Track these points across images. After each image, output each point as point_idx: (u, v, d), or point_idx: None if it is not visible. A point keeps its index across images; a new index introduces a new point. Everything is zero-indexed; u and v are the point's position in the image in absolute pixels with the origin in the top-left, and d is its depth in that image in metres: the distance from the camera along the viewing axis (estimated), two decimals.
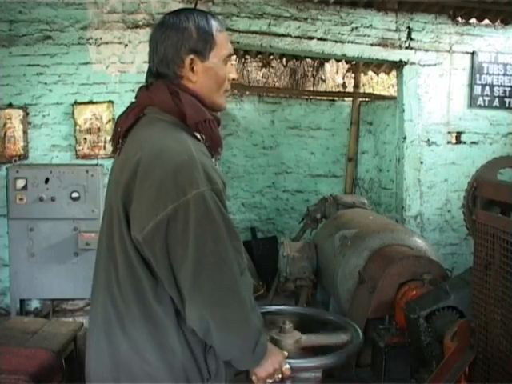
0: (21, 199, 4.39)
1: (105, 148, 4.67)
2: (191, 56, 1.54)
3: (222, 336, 1.45)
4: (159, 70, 1.56)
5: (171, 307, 1.48)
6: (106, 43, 4.78)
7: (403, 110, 5.44)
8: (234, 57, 7.05)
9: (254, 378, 1.61)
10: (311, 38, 5.15)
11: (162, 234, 1.39)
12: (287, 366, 1.63)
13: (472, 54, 5.46)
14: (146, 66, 1.67)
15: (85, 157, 4.77)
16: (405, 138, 5.43)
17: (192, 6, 4.77)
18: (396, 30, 5.31)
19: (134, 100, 1.65)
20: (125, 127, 1.58)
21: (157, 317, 1.47)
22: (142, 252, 1.45)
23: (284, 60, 7.01)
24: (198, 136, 1.56)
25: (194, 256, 1.39)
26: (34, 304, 4.81)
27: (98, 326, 1.56)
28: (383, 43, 5.30)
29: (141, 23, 4.77)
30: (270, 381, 1.60)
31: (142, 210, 1.42)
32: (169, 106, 1.53)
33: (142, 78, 1.68)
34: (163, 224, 1.39)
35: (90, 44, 4.78)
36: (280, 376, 1.61)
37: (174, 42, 1.53)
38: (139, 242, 1.43)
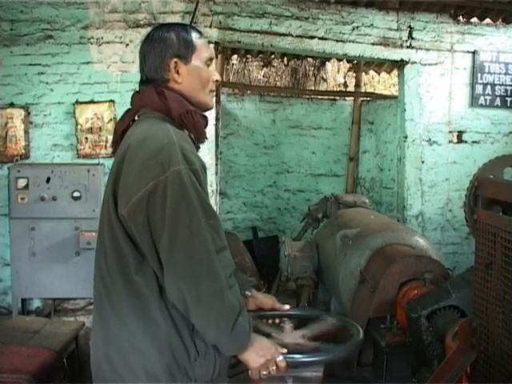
0: (22, 199, 4.39)
1: (106, 147, 4.67)
2: (175, 59, 1.71)
3: (197, 310, 1.51)
4: (149, 76, 1.74)
5: (154, 282, 1.57)
6: (107, 43, 4.78)
7: (404, 110, 5.43)
8: (236, 57, 7.06)
9: (249, 371, 1.63)
10: (312, 38, 5.14)
11: (144, 208, 1.52)
12: (281, 358, 1.63)
13: (473, 53, 5.45)
14: None
15: (86, 156, 4.77)
16: (406, 137, 5.43)
17: (193, 6, 4.77)
18: (397, 30, 5.31)
19: (128, 104, 1.81)
20: (121, 129, 1.76)
21: (140, 290, 1.57)
22: (127, 228, 1.57)
23: (285, 59, 7.01)
24: (186, 131, 1.71)
25: (169, 229, 1.49)
26: (36, 303, 4.81)
27: (94, 309, 1.69)
28: (384, 42, 5.30)
29: (142, 23, 4.77)
30: (265, 373, 1.61)
31: (126, 187, 1.57)
32: (157, 105, 1.69)
33: None
34: (144, 198, 1.52)
35: (92, 43, 4.78)
36: (274, 368, 1.62)
37: (159, 50, 1.71)
38: (124, 217, 1.56)
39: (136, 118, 1.75)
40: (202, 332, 1.56)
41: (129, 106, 1.81)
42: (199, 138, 1.73)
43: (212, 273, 1.51)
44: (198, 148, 1.76)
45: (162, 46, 1.71)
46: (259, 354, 1.60)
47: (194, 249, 1.50)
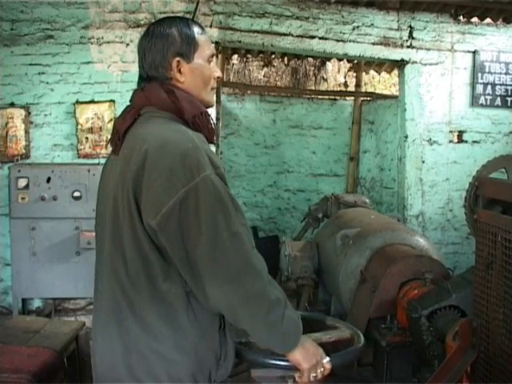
0: (22, 198, 4.39)
1: (106, 147, 4.67)
2: (177, 58, 1.66)
3: (246, 310, 1.49)
4: (149, 74, 1.68)
5: (182, 289, 1.54)
6: (108, 42, 4.78)
7: (405, 109, 5.43)
8: (236, 56, 7.06)
9: (297, 376, 1.59)
10: (313, 37, 5.14)
11: (176, 217, 1.47)
12: (327, 359, 1.61)
13: (474, 52, 5.45)
14: None
15: (86, 156, 4.77)
16: (406, 137, 5.43)
17: (193, 6, 4.77)
18: (397, 29, 5.31)
19: (128, 103, 1.75)
20: (123, 128, 1.66)
21: (167, 299, 1.53)
22: (155, 238, 1.52)
23: (285, 59, 7.01)
24: (203, 131, 1.67)
25: (208, 234, 1.46)
26: (36, 303, 4.82)
27: (106, 314, 1.62)
28: (385, 42, 5.30)
29: (142, 22, 4.77)
30: (314, 375, 1.58)
31: (154, 196, 1.49)
32: (166, 104, 1.63)
33: None
34: (176, 207, 1.47)
35: (92, 43, 4.78)
36: (322, 371, 1.60)
37: (160, 47, 1.65)
38: (152, 227, 1.50)
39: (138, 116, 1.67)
40: (253, 333, 1.55)
41: None
42: (212, 139, 1.71)
43: (254, 270, 1.50)
44: None
45: (164, 42, 1.65)
46: (310, 354, 1.58)
47: (234, 250, 1.48)
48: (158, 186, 1.48)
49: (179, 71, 1.67)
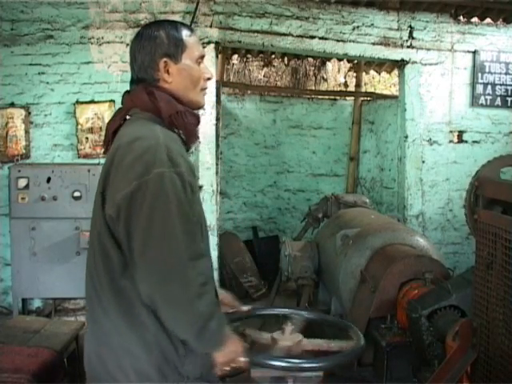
0: (23, 198, 4.39)
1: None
2: (164, 59, 1.69)
3: (165, 312, 1.52)
4: (139, 76, 1.73)
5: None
6: (108, 42, 4.78)
7: (405, 109, 5.43)
8: (236, 56, 7.05)
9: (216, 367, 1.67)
10: (313, 37, 5.14)
11: (125, 208, 1.51)
12: (244, 358, 1.67)
13: (474, 52, 5.45)
14: None
15: (86, 156, 4.77)
16: (406, 137, 5.43)
17: (193, 6, 4.77)
18: (398, 29, 5.31)
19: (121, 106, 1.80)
20: (112, 129, 1.73)
21: (125, 292, 1.57)
22: (113, 229, 1.56)
23: (286, 59, 7.01)
24: (177, 131, 1.69)
25: (143, 229, 1.49)
26: (36, 303, 4.82)
27: (87, 311, 1.71)
28: (385, 42, 5.30)
29: (142, 22, 4.77)
30: (227, 368, 1.65)
31: (113, 188, 1.57)
32: (146, 105, 1.67)
33: None
34: (127, 198, 1.51)
35: (92, 43, 4.79)
36: (235, 366, 1.66)
37: (148, 49, 1.69)
38: (111, 217, 1.55)
39: (128, 117, 1.73)
40: (174, 332, 1.57)
41: None
42: (190, 138, 1.70)
43: (183, 279, 1.49)
44: (189, 149, 1.74)
45: (152, 44, 1.68)
46: (228, 351, 1.63)
47: (166, 252, 1.48)
48: (118, 178, 1.56)
49: (167, 72, 1.69)
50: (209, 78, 1.78)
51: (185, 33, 1.72)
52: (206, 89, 1.79)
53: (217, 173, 5.12)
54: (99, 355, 1.63)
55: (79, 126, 4.77)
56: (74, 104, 4.78)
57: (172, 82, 1.70)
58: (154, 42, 1.68)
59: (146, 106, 1.67)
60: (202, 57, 1.76)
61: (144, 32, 1.72)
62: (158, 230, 1.48)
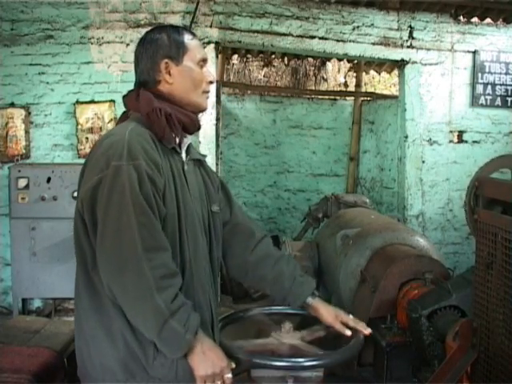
0: (23, 198, 4.40)
1: None
2: (165, 60, 1.71)
3: (124, 305, 1.52)
4: (141, 79, 1.75)
5: None
6: (108, 42, 4.78)
7: (405, 109, 5.43)
8: (236, 57, 7.06)
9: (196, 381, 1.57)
10: (313, 37, 5.14)
11: (88, 201, 1.57)
12: (229, 375, 1.56)
13: (474, 52, 5.46)
14: None
15: (86, 156, 4.77)
16: (406, 137, 5.43)
17: (193, 6, 4.77)
18: (398, 29, 5.31)
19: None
20: None
21: (95, 285, 1.60)
22: (83, 221, 1.62)
23: (286, 59, 7.01)
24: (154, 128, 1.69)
25: (102, 221, 1.53)
26: (36, 303, 4.82)
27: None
28: (385, 42, 5.30)
29: (142, 22, 4.78)
30: None
31: (83, 183, 1.64)
32: (135, 106, 1.72)
33: None
34: (89, 192, 1.57)
35: (92, 43, 4.79)
36: (219, 383, 1.55)
37: (150, 52, 1.72)
38: (79, 210, 1.62)
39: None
40: (135, 326, 1.55)
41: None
42: (162, 135, 1.66)
43: (137, 270, 1.48)
44: (170, 146, 1.68)
45: (154, 47, 1.72)
46: (208, 364, 1.54)
47: (120, 242, 1.49)
48: (86, 174, 1.63)
49: (168, 73, 1.71)
50: (211, 82, 1.79)
51: (186, 36, 1.75)
52: (208, 92, 1.80)
53: (217, 173, 5.12)
54: (79, 347, 1.68)
55: (79, 126, 4.77)
56: (74, 104, 4.78)
57: (173, 83, 1.71)
58: (156, 44, 1.72)
59: (135, 107, 1.71)
60: (205, 60, 1.78)
61: (147, 36, 1.76)
62: (112, 222, 1.51)
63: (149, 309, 1.48)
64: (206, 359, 1.54)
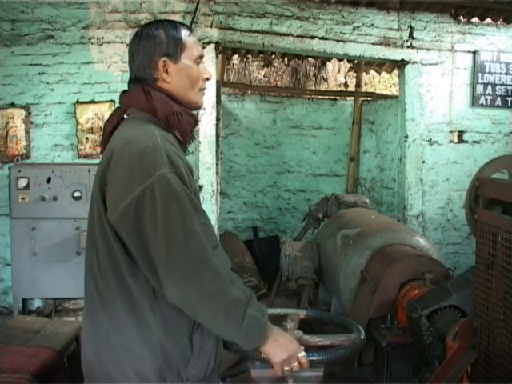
0: (23, 198, 4.39)
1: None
2: (163, 58, 1.68)
3: (203, 309, 1.51)
4: (137, 75, 1.72)
5: (147, 285, 1.56)
6: (108, 43, 4.78)
7: (405, 109, 5.43)
8: (236, 57, 7.06)
9: (273, 366, 1.62)
10: (313, 38, 5.14)
11: (132, 214, 1.50)
12: (303, 354, 1.64)
13: (474, 52, 5.45)
14: None
15: (87, 156, 4.78)
16: (407, 137, 5.43)
17: (193, 6, 4.77)
18: (398, 29, 5.31)
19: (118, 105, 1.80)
20: (109, 129, 1.74)
21: (133, 294, 1.56)
22: (118, 232, 1.56)
23: (286, 59, 7.01)
24: (175, 132, 1.68)
25: (164, 231, 1.48)
26: (37, 303, 4.82)
27: (85, 309, 1.70)
28: (385, 42, 5.30)
29: (143, 22, 4.77)
30: (287, 368, 1.61)
31: (114, 193, 1.55)
32: (143, 105, 1.67)
33: None
34: (133, 204, 1.50)
35: (92, 43, 4.79)
36: (296, 364, 1.62)
37: (147, 49, 1.68)
38: (114, 222, 1.55)
39: (125, 117, 1.72)
40: (214, 330, 1.58)
41: None
42: (185, 139, 1.69)
43: (212, 269, 1.50)
44: (185, 149, 1.73)
45: (151, 44, 1.68)
46: (282, 349, 1.61)
47: (190, 248, 1.48)
48: (118, 183, 1.54)
49: (166, 71, 1.69)
50: (207, 79, 1.77)
51: (184, 32, 1.72)
52: (204, 89, 1.78)
53: (217, 173, 5.12)
54: (98, 354, 1.62)
55: (79, 126, 4.78)
56: (75, 104, 4.78)
57: (171, 81, 1.69)
58: (154, 42, 1.68)
59: (143, 106, 1.67)
60: (201, 57, 1.76)
61: (143, 31, 1.72)
62: (179, 229, 1.48)
63: (231, 303, 1.50)
64: (279, 345, 1.60)
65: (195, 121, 1.74)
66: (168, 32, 1.69)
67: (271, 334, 1.60)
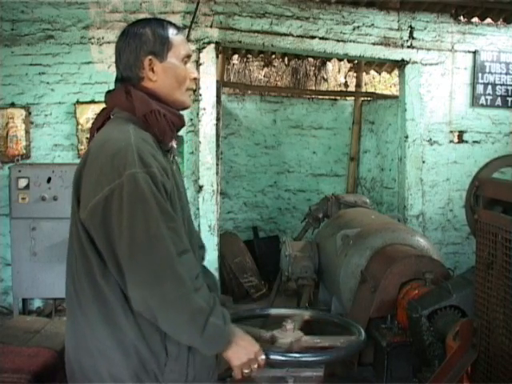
0: (23, 198, 4.40)
1: None
2: (149, 57, 1.64)
3: (164, 315, 1.48)
4: (123, 74, 1.68)
5: (118, 287, 1.53)
6: (108, 43, 4.78)
7: (405, 109, 5.43)
8: (236, 57, 7.06)
9: (234, 371, 1.62)
10: (313, 38, 5.14)
11: (100, 213, 1.49)
12: (263, 356, 1.64)
13: (474, 52, 5.46)
14: None
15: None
16: (407, 137, 5.43)
17: (193, 6, 4.77)
18: (398, 29, 5.31)
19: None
20: (94, 129, 1.72)
21: (105, 296, 1.54)
22: (89, 231, 1.54)
23: (286, 59, 7.01)
24: (154, 130, 1.64)
25: (127, 233, 1.45)
26: (37, 303, 4.82)
27: (66, 310, 1.68)
28: (385, 42, 5.30)
29: None
30: (247, 371, 1.61)
31: (85, 192, 1.56)
32: (124, 104, 1.64)
33: None
34: (100, 204, 1.48)
35: (92, 43, 4.79)
36: (256, 367, 1.62)
37: (133, 47, 1.65)
38: (84, 221, 1.54)
39: (111, 117, 1.69)
40: (174, 336, 1.54)
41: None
42: (163, 138, 1.63)
43: (175, 276, 1.46)
44: (168, 149, 1.68)
45: (137, 42, 1.64)
46: (243, 353, 1.60)
47: (154, 252, 1.45)
48: (90, 182, 1.55)
49: (152, 70, 1.65)
50: (195, 78, 1.74)
51: (171, 31, 1.68)
52: (191, 89, 1.74)
53: (217, 173, 5.12)
54: (77, 357, 1.60)
55: (79, 126, 4.78)
56: (75, 104, 4.78)
57: (157, 80, 1.65)
58: (140, 40, 1.64)
59: (124, 105, 1.64)
60: (189, 56, 1.72)
61: (130, 30, 1.68)
62: (142, 233, 1.45)
63: (192, 311, 1.48)
64: (240, 348, 1.59)
65: (181, 121, 1.71)
66: (154, 30, 1.66)
67: (234, 339, 1.58)
